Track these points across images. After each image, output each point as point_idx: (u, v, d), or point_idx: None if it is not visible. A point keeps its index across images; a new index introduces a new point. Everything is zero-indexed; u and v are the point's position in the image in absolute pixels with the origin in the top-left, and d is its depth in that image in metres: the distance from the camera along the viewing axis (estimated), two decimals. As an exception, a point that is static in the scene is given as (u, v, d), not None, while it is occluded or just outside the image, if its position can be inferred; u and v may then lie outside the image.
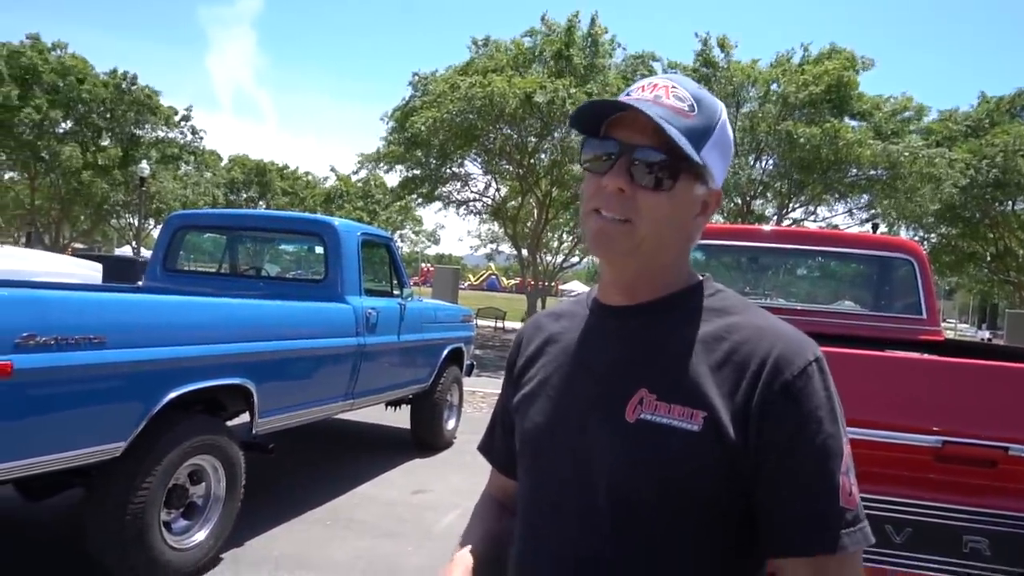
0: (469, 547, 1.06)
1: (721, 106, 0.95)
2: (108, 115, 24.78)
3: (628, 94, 0.93)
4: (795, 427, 0.84)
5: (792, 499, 0.83)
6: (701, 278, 0.99)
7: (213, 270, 6.29)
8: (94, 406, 2.95)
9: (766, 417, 0.84)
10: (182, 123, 27.45)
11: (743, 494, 0.86)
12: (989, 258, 19.27)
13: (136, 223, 28.27)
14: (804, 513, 0.83)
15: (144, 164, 23.20)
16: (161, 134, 26.83)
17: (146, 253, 30.50)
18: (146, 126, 26.13)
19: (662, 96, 0.90)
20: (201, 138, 28.39)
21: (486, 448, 1.21)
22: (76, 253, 21.72)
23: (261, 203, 35.37)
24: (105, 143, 25.12)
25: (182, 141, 27.58)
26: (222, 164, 34.45)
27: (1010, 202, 17.37)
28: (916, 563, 1.80)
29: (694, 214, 0.94)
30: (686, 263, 0.99)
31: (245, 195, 35.17)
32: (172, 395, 3.26)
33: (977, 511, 1.78)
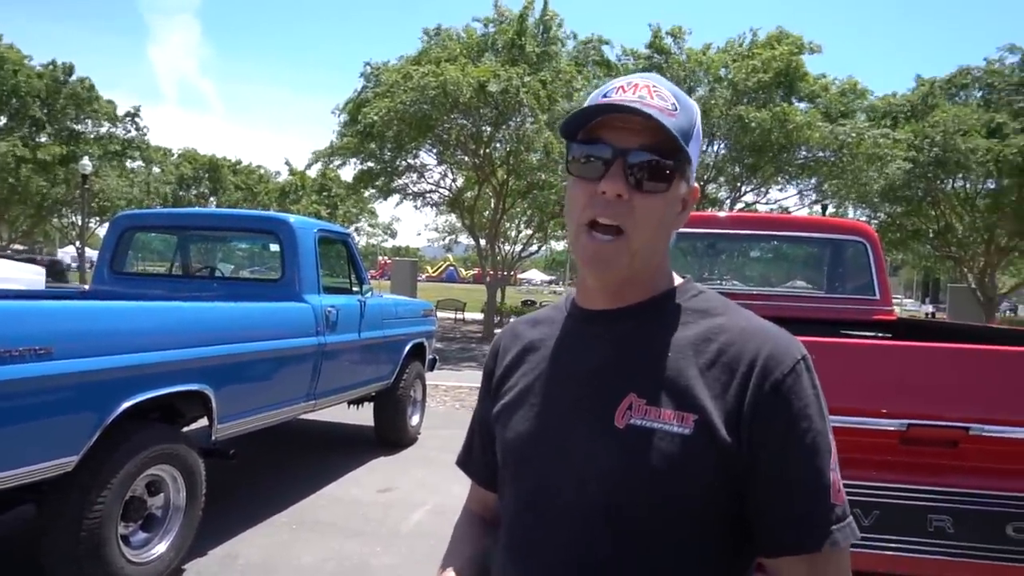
0: (451, 570, 1.03)
1: (695, 104, 0.95)
2: (46, 109, 23.75)
3: (606, 95, 0.91)
4: (786, 426, 0.84)
5: (785, 498, 0.84)
6: (682, 279, 0.98)
7: (164, 271, 6.09)
8: (42, 420, 2.82)
9: (758, 417, 0.84)
10: (126, 119, 26.50)
11: (736, 495, 0.86)
12: (932, 235, 19.90)
13: (80, 222, 27.24)
14: (798, 512, 0.84)
15: (86, 160, 22.34)
16: (103, 130, 25.83)
17: (91, 253, 29.52)
18: (87, 122, 25.13)
19: (646, 97, 0.89)
20: (145, 134, 27.46)
21: (464, 462, 1.17)
22: (16, 256, 20.85)
23: (212, 200, 34.37)
24: (43, 139, 24.07)
25: (125, 137, 26.59)
26: (171, 160, 33.33)
27: (951, 180, 17.96)
28: (884, 544, 1.84)
29: (677, 212, 0.94)
30: (667, 262, 0.98)
31: (195, 192, 34.14)
32: (126, 405, 3.14)
33: (940, 490, 1.83)
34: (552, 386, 0.96)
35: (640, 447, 0.85)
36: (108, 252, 5.33)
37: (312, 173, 19.82)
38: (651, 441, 0.85)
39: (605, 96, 0.91)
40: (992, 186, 17.94)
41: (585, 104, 0.93)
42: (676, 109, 0.89)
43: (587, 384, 0.92)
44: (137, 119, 26.78)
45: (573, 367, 0.95)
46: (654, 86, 0.90)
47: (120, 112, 26.23)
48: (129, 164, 28.26)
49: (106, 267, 5.30)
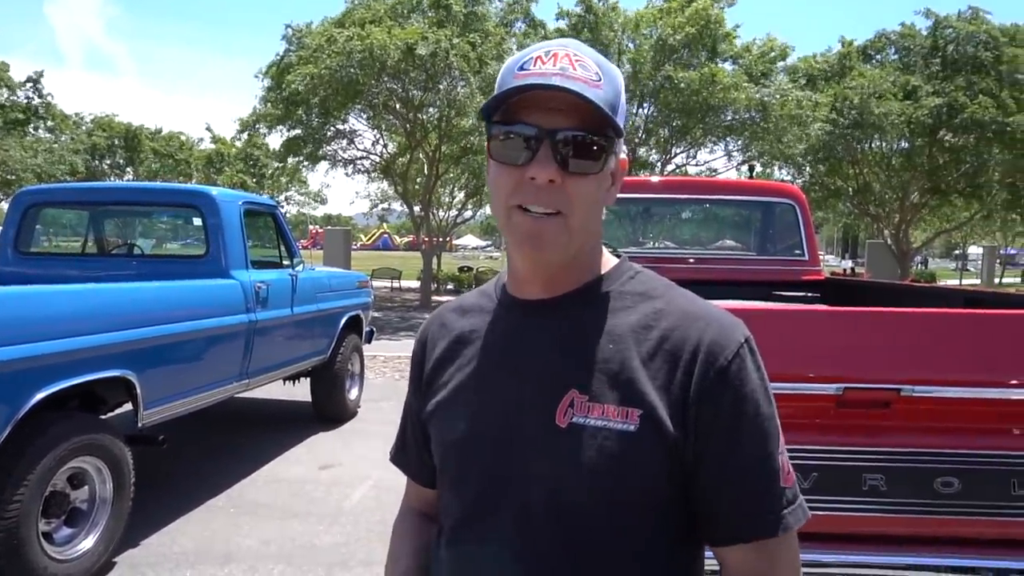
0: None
1: (618, 70, 0.88)
2: None
3: (523, 67, 0.82)
4: (733, 413, 0.82)
5: (737, 486, 0.82)
6: (616, 259, 0.94)
7: (76, 251, 5.73)
8: (-55, 417, 2.61)
9: (704, 405, 0.81)
10: (27, 85, 24.67)
11: (684, 486, 0.84)
12: (852, 193, 20.73)
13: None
14: (749, 500, 0.82)
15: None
16: (2, 97, 24.00)
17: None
18: None
19: (568, 68, 0.80)
20: (49, 101, 25.66)
21: (399, 459, 1.11)
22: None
23: (129, 171, 32.42)
24: None
25: (25, 103, 24.76)
26: (82, 128, 31.20)
27: (868, 141, 18.66)
28: (822, 503, 1.90)
29: (608, 186, 0.88)
30: (600, 241, 0.93)
31: (109, 162, 32.16)
32: (40, 395, 2.95)
33: (874, 451, 1.89)
34: (489, 383, 0.91)
35: (584, 447, 0.81)
36: (12, 230, 4.97)
37: (240, 142, 18.89)
38: (595, 440, 0.81)
39: (523, 69, 0.82)
40: (905, 146, 18.74)
41: (500, 76, 0.85)
42: (600, 79, 0.81)
43: (526, 381, 0.87)
44: (39, 85, 25.00)
45: (510, 362, 0.90)
46: (575, 55, 0.82)
47: (20, 78, 24.41)
48: (37, 133, 26.39)
49: (10, 246, 4.95)
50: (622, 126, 0.86)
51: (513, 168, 0.82)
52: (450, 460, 0.93)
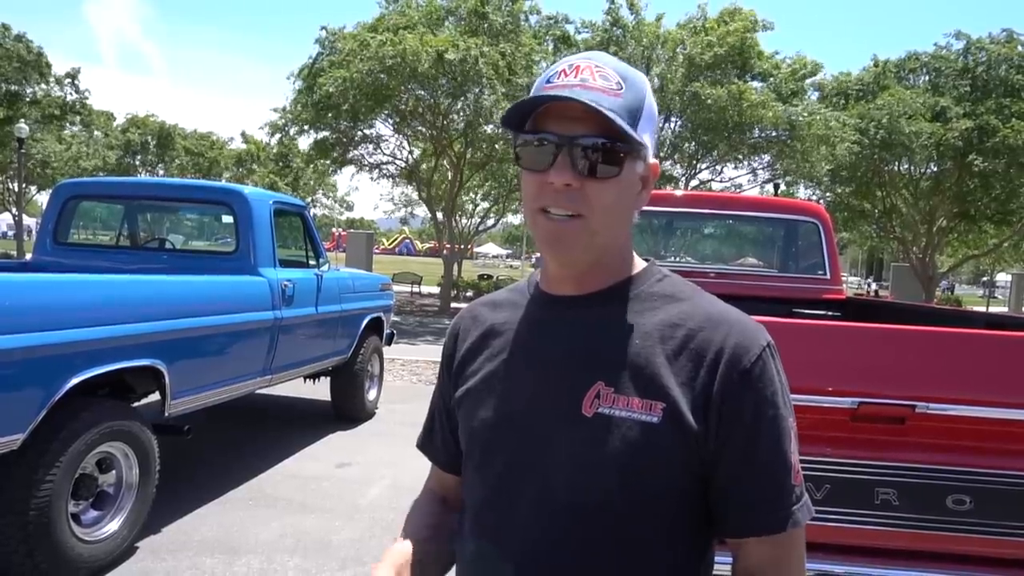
0: (406, 540, 1.02)
1: (644, 78, 0.93)
2: None
3: (549, 80, 0.88)
4: (754, 412, 0.86)
5: (752, 482, 0.87)
6: (645, 262, 0.99)
7: (111, 243, 5.88)
8: (-14, 397, 2.72)
9: (726, 404, 0.86)
10: (66, 80, 25.23)
11: (701, 480, 0.88)
12: (877, 215, 20.52)
13: (16, 188, 26.02)
14: (763, 495, 0.87)
15: (22, 124, 21.28)
16: (41, 92, 24.55)
17: (28, 221, 28.25)
18: (26, 83, 23.83)
19: (588, 79, 0.86)
20: (86, 97, 26.22)
21: (425, 444, 1.16)
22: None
23: (161, 168, 32.99)
24: None
25: (62, 99, 25.31)
26: (116, 125, 31.79)
27: (896, 162, 18.48)
28: (834, 516, 1.92)
29: (637, 192, 0.92)
30: (631, 244, 0.98)
31: (140, 159, 32.77)
32: (74, 381, 3.05)
33: (887, 465, 1.92)
34: (518, 372, 0.95)
35: (608, 436, 0.86)
36: (51, 222, 5.12)
37: (272, 141, 19.15)
38: (619, 430, 0.86)
39: (549, 82, 0.88)
40: (934, 169, 18.53)
41: (533, 89, 0.91)
42: (621, 88, 0.87)
43: (554, 371, 0.92)
44: (77, 81, 25.56)
45: (539, 353, 0.94)
46: (597, 66, 0.87)
47: (58, 73, 24.96)
48: (70, 129, 26.98)
49: (49, 237, 5.09)
50: (650, 132, 0.90)
51: (537, 174, 0.88)
52: (476, 445, 0.98)
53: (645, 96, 0.89)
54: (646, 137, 0.89)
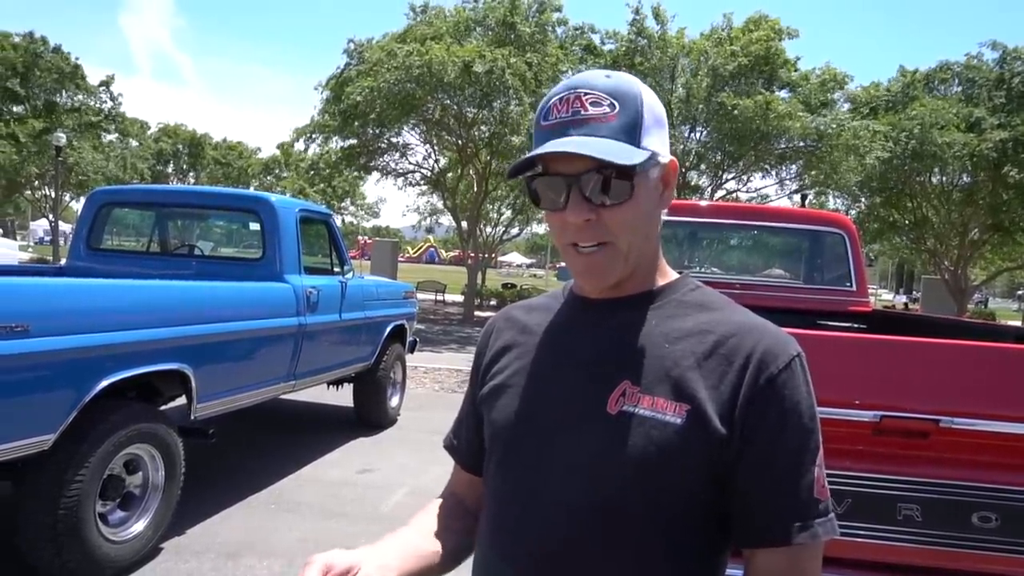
0: (405, 530, 1.05)
1: (637, 83, 0.92)
2: (20, 81, 23.11)
3: (546, 117, 0.90)
4: (779, 420, 0.86)
5: (771, 490, 0.86)
6: (678, 274, 1.00)
7: (141, 248, 6.01)
8: (19, 398, 2.79)
9: (752, 409, 0.85)
10: (101, 89, 25.88)
11: (723, 485, 0.87)
12: (908, 227, 20.16)
13: (53, 195, 26.68)
14: (782, 504, 0.85)
15: (60, 133, 21.85)
16: (78, 101, 25.21)
17: (64, 227, 28.90)
18: (63, 93, 24.50)
19: (580, 110, 0.87)
20: (120, 105, 26.85)
21: (451, 445, 1.17)
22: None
23: (191, 176, 33.68)
24: (16, 109, 23.45)
25: (98, 108, 25.95)
26: (148, 133, 32.55)
27: (928, 173, 18.16)
28: (855, 530, 1.89)
29: (659, 195, 0.93)
30: (659, 247, 0.98)
31: (173, 167, 33.48)
32: (103, 384, 3.12)
33: (910, 480, 1.88)
34: (545, 371, 0.96)
35: (630, 434, 0.86)
36: (85, 228, 5.25)
37: (300, 147, 19.43)
38: (642, 428, 0.86)
39: (545, 119, 0.90)
40: (967, 180, 18.17)
41: (535, 119, 0.93)
42: (615, 108, 0.87)
43: (582, 371, 0.93)
44: (111, 89, 26.20)
45: (568, 353, 0.96)
46: (587, 93, 0.88)
47: (92, 83, 25.61)
48: (105, 138, 27.64)
49: (82, 243, 5.22)
50: (658, 133, 0.90)
51: (556, 212, 0.90)
52: (498, 442, 0.98)
53: (641, 105, 0.89)
54: (654, 143, 0.89)
